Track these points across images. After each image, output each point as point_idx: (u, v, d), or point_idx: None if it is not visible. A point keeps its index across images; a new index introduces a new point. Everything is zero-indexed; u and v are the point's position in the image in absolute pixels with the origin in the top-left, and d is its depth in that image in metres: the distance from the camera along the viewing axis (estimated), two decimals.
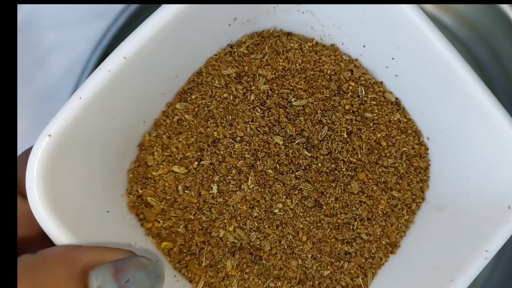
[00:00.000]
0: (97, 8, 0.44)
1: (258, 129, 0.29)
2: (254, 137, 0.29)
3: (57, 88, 0.45)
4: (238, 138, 0.29)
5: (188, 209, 0.29)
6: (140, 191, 0.29)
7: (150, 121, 0.30)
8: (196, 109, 0.29)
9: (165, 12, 0.25)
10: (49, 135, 0.24)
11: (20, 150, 0.40)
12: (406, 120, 0.31)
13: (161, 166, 0.29)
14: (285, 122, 0.29)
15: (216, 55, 0.30)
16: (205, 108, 0.29)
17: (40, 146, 0.24)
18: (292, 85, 0.30)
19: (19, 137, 0.43)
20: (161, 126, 0.30)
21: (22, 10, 0.45)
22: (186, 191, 0.29)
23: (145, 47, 0.25)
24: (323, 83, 0.30)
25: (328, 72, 0.30)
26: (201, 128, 0.29)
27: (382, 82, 0.30)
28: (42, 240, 0.25)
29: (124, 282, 0.23)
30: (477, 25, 0.40)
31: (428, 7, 0.41)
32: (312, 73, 0.30)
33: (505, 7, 0.37)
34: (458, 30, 0.41)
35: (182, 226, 0.29)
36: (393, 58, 0.29)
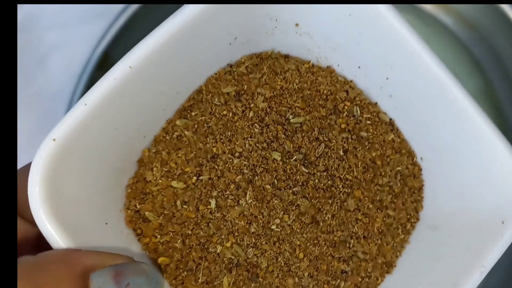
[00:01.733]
0: (97, 8, 0.45)
1: (257, 145, 0.30)
2: (252, 153, 0.29)
3: (57, 88, 0.45)
4: (237, 154, 0.30)
5: (186, 224, 0.29)
6: (138, 206, 0.29)
7: (150, 136, 0.30)
8: (195, 126, 0.30)
9: (171, 24, 0.26)
10: (54, 139, 0.24)
11: (19, 150, 0.40)
12: (399, 140, 0.31)
13: (160, 181, 0.30)
14: (283, 138, 0.30)
15: (216, 74, 0.31)
16: (205, 125, 0.30)
17: (45, 150, 0.24)
18: (290, 103, 0.30)
19: (19, 137, 0.44)
20: (160, 142, 0.30)
21: (22, 10, 0.45)
22: (184, 206, 0.29)
23: (151, 58, 0.26)
24: (320, 102, 0.31)
25: (325, 92, 0.31)
26: (200, 144, 0.30)
27: (376, 103, 0.31)
28: None
29: (124, 286, 0.23)
30: (477, 25, 0.40)
31: (428, 7, 0.41)
32: (309, 92, 0.31)
33: (505, 7, 0.37)
34: (458, 30, 0.41)
35: (179, 241, 0.29)
36: (387, 78, 0.30)
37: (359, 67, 0.31)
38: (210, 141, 0.30)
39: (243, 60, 0.31)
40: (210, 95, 0.30)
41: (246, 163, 0.29)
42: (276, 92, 0.31)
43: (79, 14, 0.45)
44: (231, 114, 0.30)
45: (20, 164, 0.42)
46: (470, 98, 0.28)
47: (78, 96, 0.42)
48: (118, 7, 0.42)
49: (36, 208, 0.23)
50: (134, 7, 0.41)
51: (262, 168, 0.29)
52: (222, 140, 0.30)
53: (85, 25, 0.45)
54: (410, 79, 0.29)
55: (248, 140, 0.30)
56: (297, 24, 0.30)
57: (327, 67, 0.31)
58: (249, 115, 0.30)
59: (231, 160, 0.29)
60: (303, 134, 0.30)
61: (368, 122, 0.31)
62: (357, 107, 0.31)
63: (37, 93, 0.46)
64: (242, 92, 0.30)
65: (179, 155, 0.30)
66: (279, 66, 0.31)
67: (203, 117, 0.30)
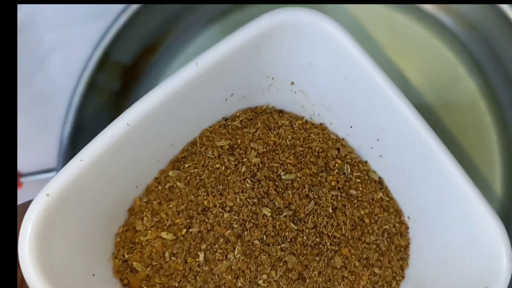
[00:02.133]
0: (97, 8, 0.44)
1: (248, 200, 0.30)
2: (243, 208, 0.30)
3: (57, 88, 0.45)
4: (228, 208, 0.30)
5: (173, 276, 0.29)
6: (126, 256, 0.29)
7: (143, 186, 0.30)
8: (188, 178, 0.30)
9: (170, 83, 0.26)
10: (48, 195, 0.24)
11: (19, 150, 0.42)
12: (388, 199, 0.32)
13: (150, 231, 0.30)
14: (274, 194, 0.30)
15: (211, 127, 0.31)
16: (197, 177, 0.30)
17: (38, 206, 0.24)
18: (282, 159, 0.31)
19: (19, 137, 0.43)
20: (152, 192, 0.30)
21: (22, 10, 0.45)
22: (172, 257, 0.29)
23: (148, 116, 0.26)
24: (311, 159, 0.31)
25: (316, 149, 0.31)
26: (192, 196, 0.30)
27: (366, 161, 0.32)
28: None
29: None
30: (477, 25, 0.39)
31: (428, 7, 0.41)
32: (301, 149, 0.31)
33: (505, 7, 0.37)
34: (458, 30, 0.40)
35: None
36: (378, 140, 0.30)
37: (351, 126, 0.31)
38: (202, 194, 0.30)
39: (238, 114, 0.31)
40: (204, 147, 0.31)
41: (236, 217, 0.30)
42: (269, 148, 0.31)
43: (79, 14, 0.45)
44: (223, 167, 0.30)
45: (20, 164, 0.41)
46: (458, 164, 0.28)
47: (78, 96, 0.41)
48: (118, 7, 0.41)
49: (26, 265, 0.24)
50: (134, 7, 0.40)
51: (252, 223, 0.30)
52: (213, 194, 0.30)
53: (85, 25, 0.45)
54: (401, 142, 0.29)
55: (240, 195, 0.30)
56: (292, 83, 0.31)
57: (320, 124, 0.32)
58: (241, 169, 0.30)
59: (221, 214, 0.30)
60: (293, 191, 0.30)
61: (358, 180, 0.31)
62: (348, 165, 0.31)
63: (37, 93, 0.45)
64: (236, 146, 0.31)
65: (170, 206, 0.30)
66: (273, 121, 0.31)
67: (196, 169, 0.30)
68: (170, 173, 0.30)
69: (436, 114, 0.41)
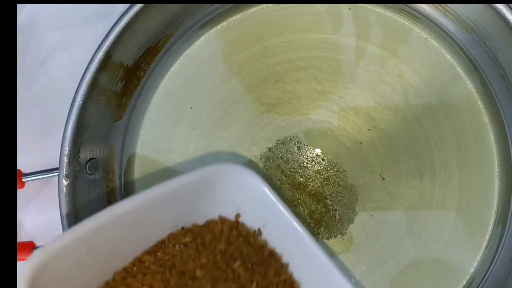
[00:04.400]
0: (99, 9, 0.46)
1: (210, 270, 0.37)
2: (210, 272, 0.37)
3: (59, 90, 0.44)
4: (194, 275, 0.37)
5: None
6: None
7: (121, 266, 0.37)
8: (161, 262, 0.37)
9: (141, 196, 0.36)
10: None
11: (21, 151, 0.44)
12: None
13: None
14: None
15: (175, 232, 0.39)
16: (169, 261, 0.38)
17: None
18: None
19: (20, 138, 0.42)
20: (128, 271, 0.37)
21: (23, 11, 0.45)
22: None
23: (135, 210, 0.35)
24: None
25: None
26: (161, 276, 0.37)
27: None
28: None
29: None
30: (474, 26, 0.40)
31: (426, 8, 0.41)
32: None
33: (502, 9, 0.37)
34: (456, 31, 0.41)
35: None
36: None
37: None
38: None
39: (193, 227, 0.40)
40: (172, 243, 0.39)
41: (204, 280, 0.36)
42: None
43: (81, 15, 0.47)
44: (189, 254, 0.38)
45: (22, 163, 0.43)
46: None
47: (80, 96, 0.40)
48: (120, 7, 0.42)
49: None
50: (136, 7, 0.40)
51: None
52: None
53: (87, 26, 0.46)
54: (308, 272, 0.38)
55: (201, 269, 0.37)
56: None
57: None
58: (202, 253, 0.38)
59: (190, 281, 0.36)
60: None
61: None
62: None
63: (39, 93, 0.45)
64: (199, 242, 0.39)
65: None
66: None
67: (168, 256, 0.38)
68: (146, 257, 0.37)
69: (434, 114, 0.42)
